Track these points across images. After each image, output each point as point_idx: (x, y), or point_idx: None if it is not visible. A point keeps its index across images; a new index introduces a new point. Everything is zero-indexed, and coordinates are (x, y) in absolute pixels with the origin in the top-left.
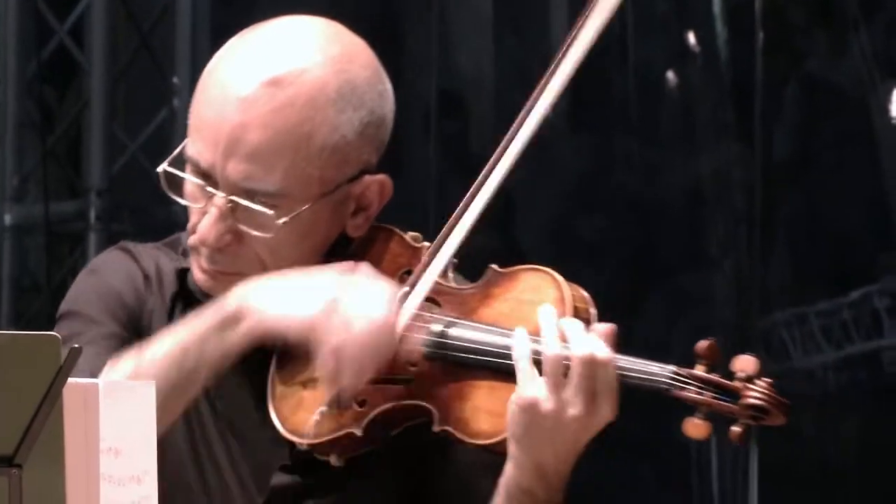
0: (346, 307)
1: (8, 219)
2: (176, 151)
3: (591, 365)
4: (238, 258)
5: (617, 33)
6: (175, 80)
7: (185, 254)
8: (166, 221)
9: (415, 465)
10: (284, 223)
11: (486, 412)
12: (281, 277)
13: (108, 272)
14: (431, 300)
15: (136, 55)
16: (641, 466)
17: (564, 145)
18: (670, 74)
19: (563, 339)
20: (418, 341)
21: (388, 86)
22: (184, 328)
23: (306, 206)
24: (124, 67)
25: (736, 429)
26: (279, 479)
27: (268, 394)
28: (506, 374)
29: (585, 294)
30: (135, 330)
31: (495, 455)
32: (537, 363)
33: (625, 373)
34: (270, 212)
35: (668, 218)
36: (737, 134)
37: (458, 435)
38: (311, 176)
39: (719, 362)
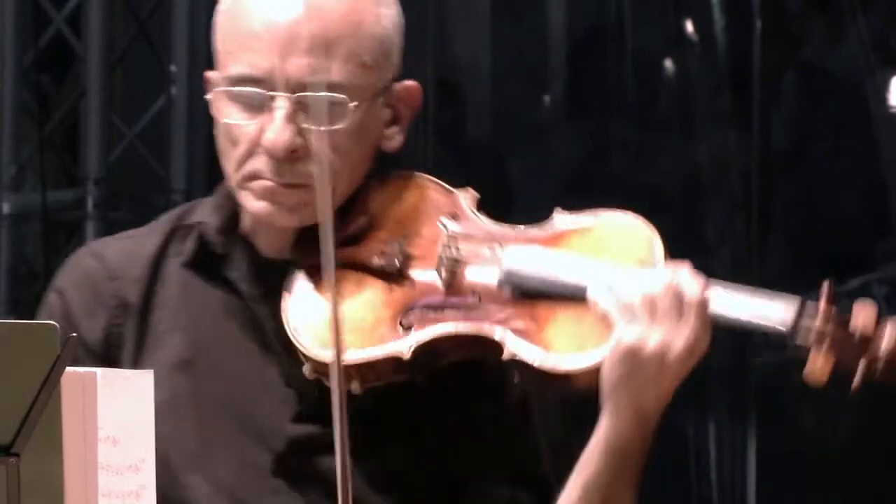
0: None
1: (5, 207)
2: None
3: (688, 301)
4: (305, 165)
5: (614, 21)
6: (172, 67)
7: (182, 233)
8: (164, 209)
9: (457, 414)
10: (355, 108)
11: (571, 340)
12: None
13: (70, 296)
14: (493, 241)
15: (133, 43)
16: None
17: (561, 133)
18: (668, 62)
19: (664, 280)
20: (486, 274)
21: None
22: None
23: (367, 98)
24: (121, 55)
25: (858, 381)
26: (294, 430)
27: (286, 322)
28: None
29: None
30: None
31: (573, 389)
32: (628, 306)
33: (733, 314)
34: (342, 96)
35: (666, 206)
36: (734, 122)
37: (532, 361)
38: (365, 65)
39: (837, 303)
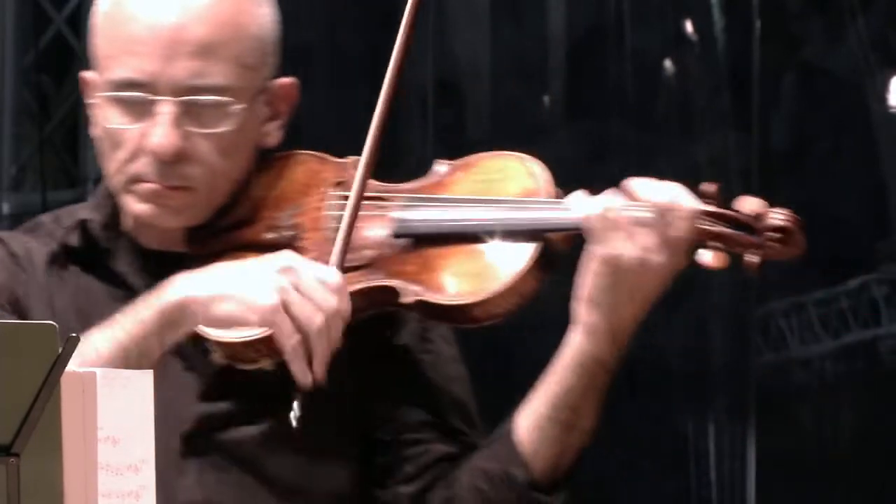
0: (300, 289)
1: (5, 207)
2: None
3: (670, 211)
4: (189, 167)
5: (614, 21)
6: None
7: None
8: None
9: (369, 376)
10: (239, 111)
11: (466, 275)
12: (213, 270)
13: None
14: (379, 198)
15: None
16: (640, 457)
17: (561, 133)
18: (667, 62)
19: (634, 195)
20: (377, 229)
21: None
22: (121, 327)
23: (249, 100)
24: None
25: (755, 259)
26: (199, 409)
27: None
28: (485, 238)
29: None
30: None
31: (473, 321)
32: (606, 221)
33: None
34: (226, 99)
35: None
36: (734, 122)
37: (435, 299)
38: (248, 67)
39: (720, 199)
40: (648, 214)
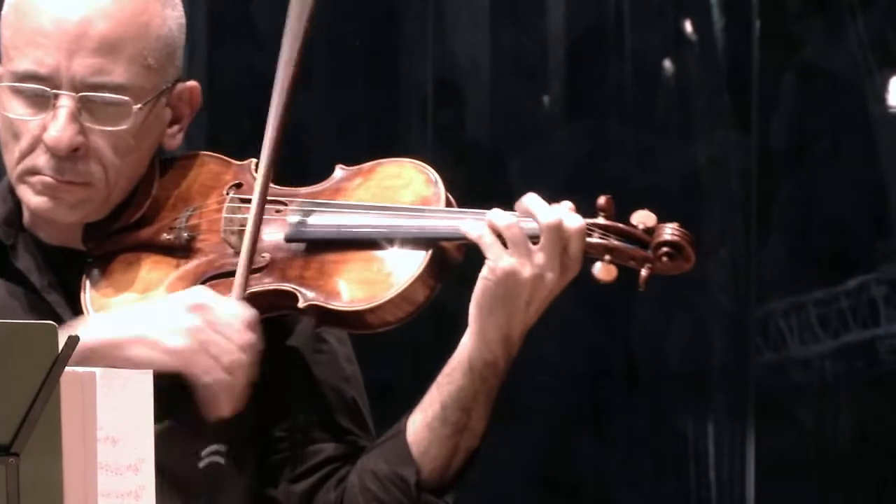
0: (216, 328)
1: None
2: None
3: (560, 230)
4: (86, 163)
5: (613, 21)
6: None
7: None
8: None
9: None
10: (137, 110)
11: (360, 281)
12: (124, 311)
13: None
14: (278, 202)
15: None
16: (640, 457)
17: (561, 133)
18: (667, 63)
19: (527, 212)
20: (273, 233)
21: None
22: None
23: (150, 99)
24: None
25: (645, 273)
26: None
27: (88, 313)
28: (380, 245)
29: None
30: None
31: (366, 327)
32: (507, 236)
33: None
34: (125, 98)
35: (665, 205)
36: (733, 122)
37: (330, 305)
38: (150, 68)
39: (616, 217)
40: (540, 229)
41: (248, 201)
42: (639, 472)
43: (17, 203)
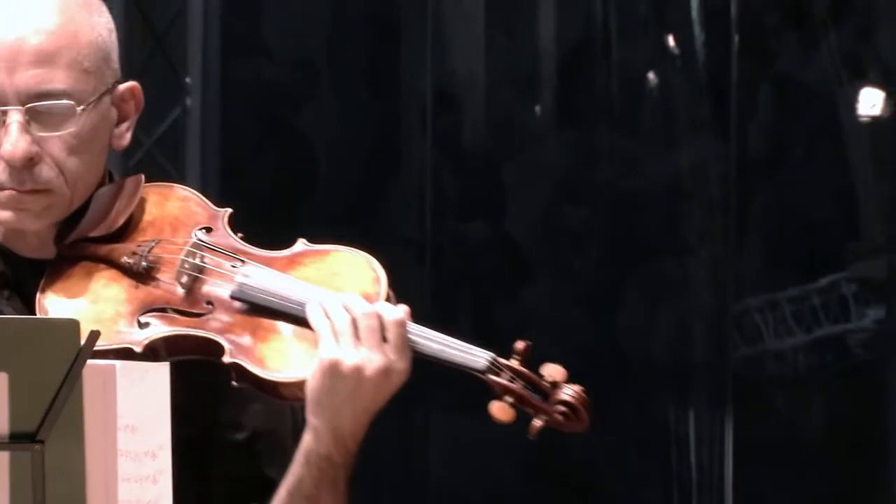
0: None
1: None
2: None
3: (386, 324)
4: (43, 171)
5: (601, 35)
6: (188, 80)
7: None
8: None
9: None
10: (82, 112)
11: (282, 353)
12: None
13: None
14: (236, 258)
15: (151, 58)
16: (626, 442)
17: (552, 141)
18: (651, 75)
19: (369, 307)
20: (215, 285)
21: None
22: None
23: (92, 100)
24: (141, 69)
25: (538, 423)
26: None
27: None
28: (308, 325)
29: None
30: None
31: (282, 399)
32: (333, 327)
33: (434, 345)
34: (69, 102)
35: (649, 208)
36: (713, 130)
37: (251, 368)
38: (87, 71)
39: (531, 363)
40: (369, 327)
41: (207, 248)
42: (625, 457)
43: None
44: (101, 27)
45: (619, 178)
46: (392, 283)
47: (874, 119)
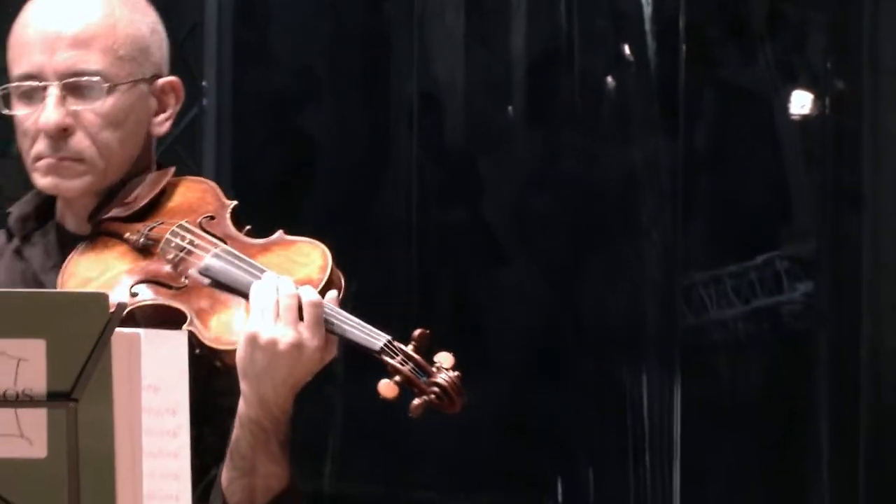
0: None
1: None
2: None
3: (304, 304)
4: (77, 141)
5: (565, 45)
6: (204, 83)
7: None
8: None
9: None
10: (113, 90)
11: (229, 326)
12: None
13: None
14: (220, 242)
15: (172, 63)
16: (587, 402)
17: (522, 138)
18: (609, 80)
19: (292, 289)
20: (196, 264)
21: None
22: None
23: (126, 82)
24: None
25: (417, 402)
26: None
27: (60, 283)
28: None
29: (340, 274)
30: None
31: (229, 367)
32: (260, 304)
33: (343, 325)
34: (96, 78)
35: (607, 197)
36: (663, 129)
37: (199, 336)
38: (122, 58)
39: (426, 349)
40: (288, 305)
41: (191, 231)
42: (586, 414)
43: (43, 202)
44: (142, 24)
45: (580, 171)
46: (382, 262)
47: (804, 118)
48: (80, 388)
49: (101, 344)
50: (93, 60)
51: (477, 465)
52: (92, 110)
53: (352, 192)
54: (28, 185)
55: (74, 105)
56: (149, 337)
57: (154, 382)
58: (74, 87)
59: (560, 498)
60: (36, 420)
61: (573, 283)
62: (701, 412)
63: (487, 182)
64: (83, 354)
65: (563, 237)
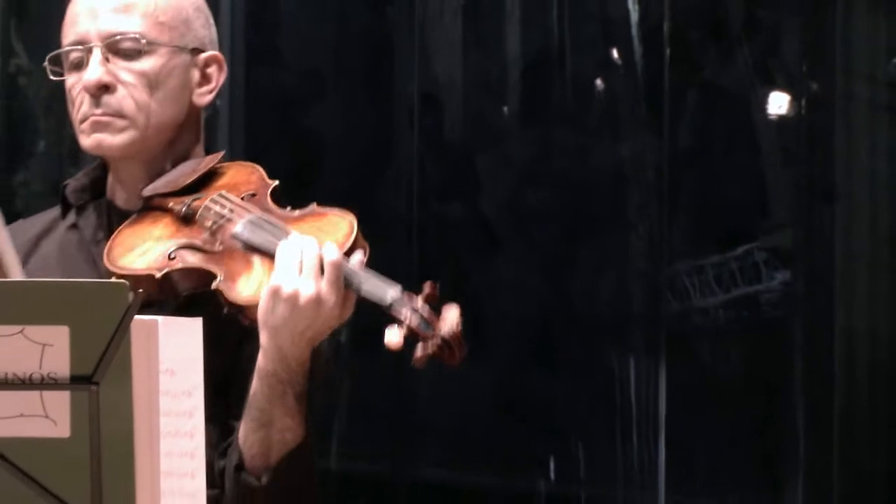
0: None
1: None
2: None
3: (325, 263)
4: (118, 98)
5: (557, 49)
6: None
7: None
8: None
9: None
10: (152, 50)
11: (255, 282)
12: None
13: None
14: (252, 210)
15: None
16: (578, 384)
17: (517, 136)
18: (598, 81)
19: (311, 247)
20: (231, 230)
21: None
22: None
23: (166, 47)
24: None
25: (420, 353)
26: None
27: (106, 254)
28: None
29: (366, 244)
30: None
31: (248, 320)
32: (284, 259)
33: (360, 282)
34: (136, 36)
35: (597, 192)
36: (649, 127)
37: (226, 294)
38: (162, 24)
39: (435, 301)
40: (311, 261)
41: (230, 200)
42: (577, 396)
43: (97, 177)
44: (185, 0)
45: (572, 168)
46: (385, 253)
47: (781, 117)
48: (101, 371)
49: (122, 330)
50: (134, 23)
51: (475, 445)
52: (131, 68)
53: (355, 186)
54: (53, 184)
55: (116, 64)
56: (166, 324)
57: (171, 366)
58: (117, 48)
59: (552, 475)
60: (60, 402)
61: (565, 273)
62: (684, 393)
63: (484, 178)
64: (104, 340)
65: (556, 230)
